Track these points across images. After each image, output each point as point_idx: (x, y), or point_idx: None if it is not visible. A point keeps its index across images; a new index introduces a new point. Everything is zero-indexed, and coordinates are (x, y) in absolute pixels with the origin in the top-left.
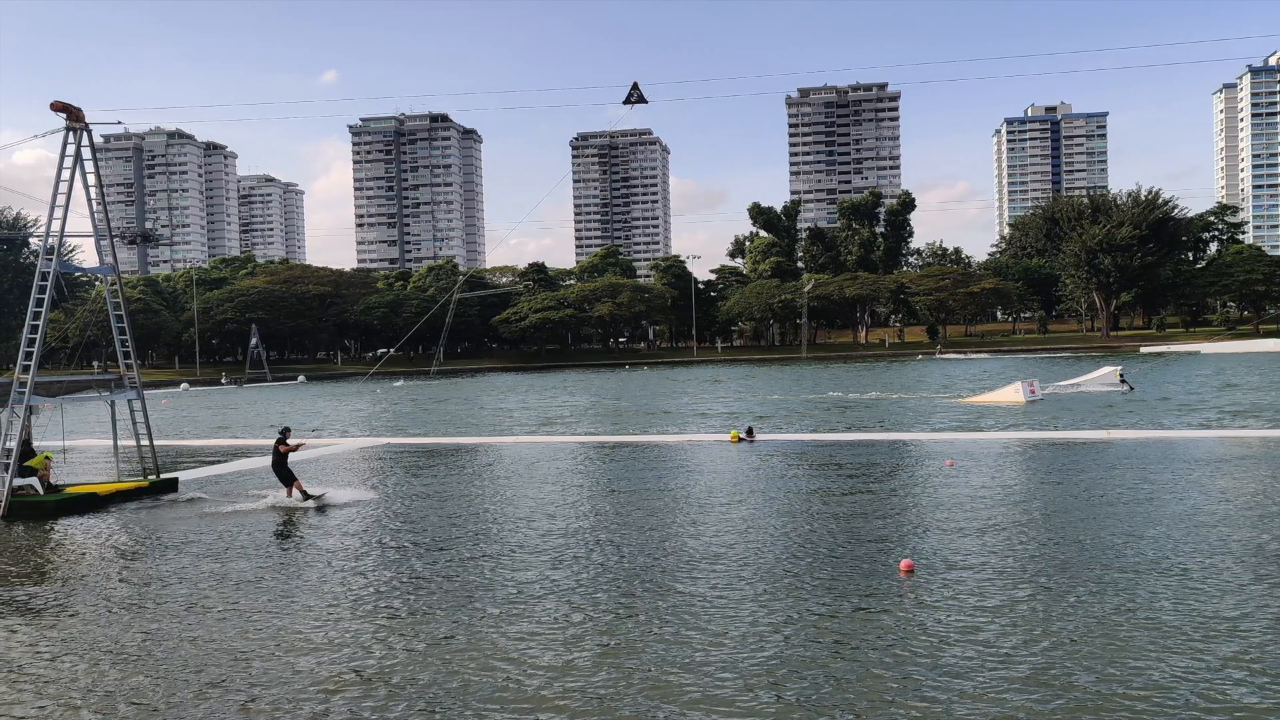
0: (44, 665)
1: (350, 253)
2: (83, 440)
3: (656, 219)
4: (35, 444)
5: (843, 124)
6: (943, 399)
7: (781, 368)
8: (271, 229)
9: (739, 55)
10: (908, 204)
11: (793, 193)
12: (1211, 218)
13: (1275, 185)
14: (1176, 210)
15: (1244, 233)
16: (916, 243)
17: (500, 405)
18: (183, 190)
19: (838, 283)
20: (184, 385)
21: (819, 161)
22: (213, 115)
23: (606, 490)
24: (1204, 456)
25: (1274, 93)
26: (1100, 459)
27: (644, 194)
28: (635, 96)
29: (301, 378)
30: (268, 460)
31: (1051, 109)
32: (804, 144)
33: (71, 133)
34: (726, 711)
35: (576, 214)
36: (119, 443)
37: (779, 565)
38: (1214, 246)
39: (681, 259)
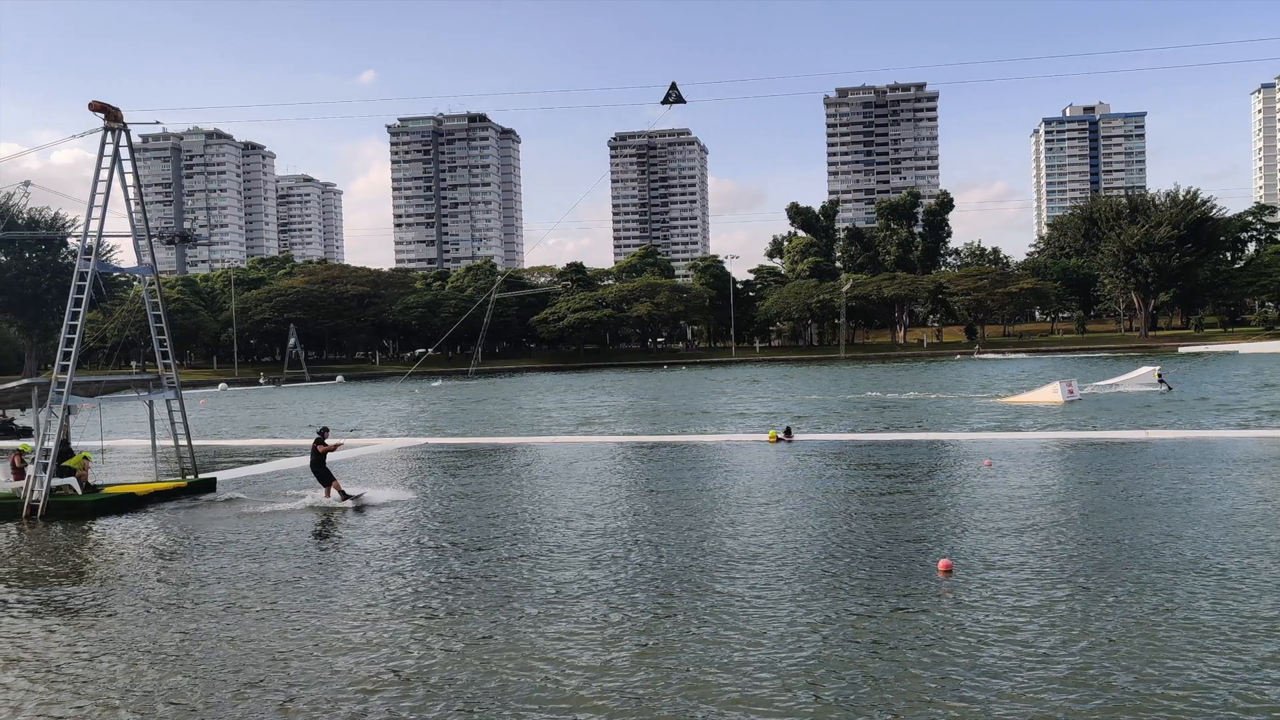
0: (82, 665)
1: (388, 253)
2: (121, 440)
3: (695, 219)
4: (74, 444)
5: (881, 124)
6: (981, 399)
7: (820, 368)
8: (310, 229)
9: (777, 55)
10: (946, 204)
11: (831, 193)
12: (1250, 218)
13: None
14: (1215, 210)
15: None
16: (955, 243)
17: (538, 405)
18: (221, 190)
19: (876, 283)
20: (222, 385)
21: (857, 161)
22: (251, 115)
23: (645, 490)
24: (1242, 456)
25: None
26: (1138, 459)
27: (682, 194)
28: (673, 96)
29: (340, 378)
30: (306, 460)
31: (1090, 109)
32: (842, 144)
33: (110, 133)
34: (765, 711)
35: (615, 214)
36: (157, 443)
37: (817, 565)
38: (1252, 246)
39: (720, 259)
